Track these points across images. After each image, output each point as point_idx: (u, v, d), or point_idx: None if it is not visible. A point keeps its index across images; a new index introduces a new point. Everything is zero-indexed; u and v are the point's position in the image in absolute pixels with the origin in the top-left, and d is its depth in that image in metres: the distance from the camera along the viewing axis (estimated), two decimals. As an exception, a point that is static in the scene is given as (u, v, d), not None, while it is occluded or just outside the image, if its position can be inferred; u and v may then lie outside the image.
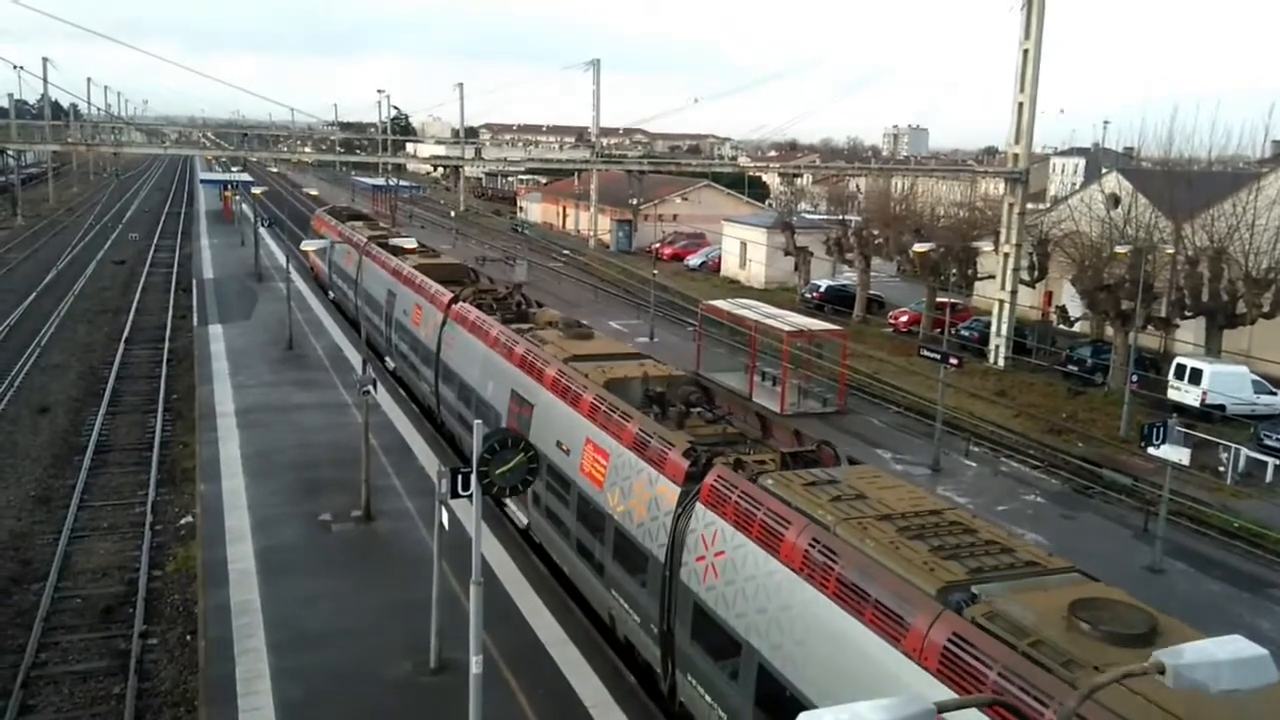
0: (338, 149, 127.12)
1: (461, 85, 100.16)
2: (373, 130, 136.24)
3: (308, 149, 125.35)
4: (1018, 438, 32.23)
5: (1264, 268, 36.30)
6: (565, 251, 76.83)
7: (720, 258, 68.67)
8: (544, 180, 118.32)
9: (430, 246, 43.57)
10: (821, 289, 55.02)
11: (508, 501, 21.52)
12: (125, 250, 70.67)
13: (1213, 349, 37.72)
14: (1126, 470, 28.80)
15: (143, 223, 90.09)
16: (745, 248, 64.93)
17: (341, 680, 15.65)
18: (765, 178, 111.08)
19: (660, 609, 14.85)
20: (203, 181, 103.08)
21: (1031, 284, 45.38)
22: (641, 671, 16.06)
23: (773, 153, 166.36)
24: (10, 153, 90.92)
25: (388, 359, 34.99)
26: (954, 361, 29.77)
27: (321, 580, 19.09)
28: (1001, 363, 42.70)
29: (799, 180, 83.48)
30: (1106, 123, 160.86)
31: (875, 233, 52.40)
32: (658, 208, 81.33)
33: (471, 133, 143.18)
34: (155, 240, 76.93)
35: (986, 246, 46.99)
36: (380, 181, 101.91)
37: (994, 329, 43.66)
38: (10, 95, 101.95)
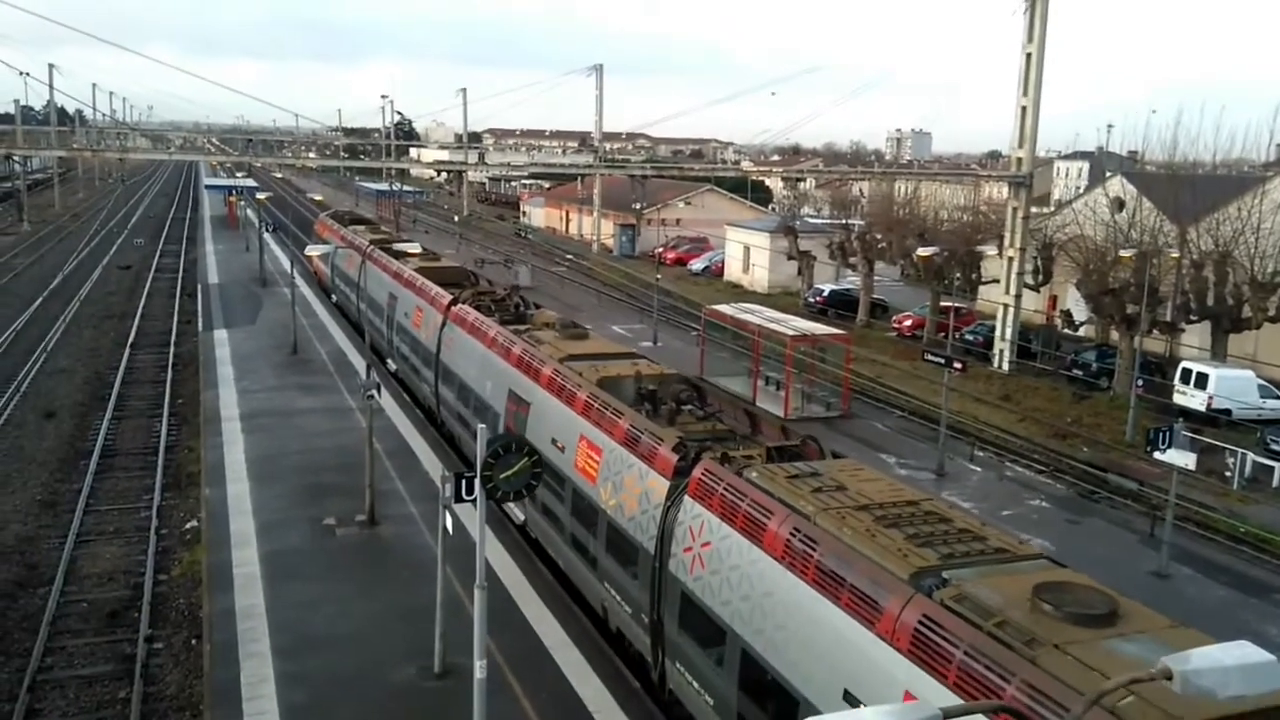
0: (342, 154, 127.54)
1: (465, 90, 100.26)
2: (376, 135, 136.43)
3: (312, 154, 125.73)
4: (1022, 442, 32.18)
5: (1269, 272, 36.23)
6: (568, 256, 76.88)
7: (723, 262, 68.68)
8: (547, 185, 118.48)
9: (433, 252, 43.67)
10: (825, 293, 55.01)
11: None
12: (131, 255, 70.85)
13: (1218, 353, 37.63)
14: (1132, 475, 28.72)
15: (148, 228, 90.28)
16: (748, 252, 64.93)
17: (346, 685, 15.64)
18: (768, 182, 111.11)
19: (650, 599, 15.19)
20: (207, 187, 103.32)
21: (1036, 288, 45.35)
22: (633, 661, 16.37)
23: (776, 157, 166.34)
24: (16, 158, 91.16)
25: (389, 360, 35.21)
26: (958, 366, 29.73)
27: (326, 585, 19.10)
28: (1006, 367, 42.64)
29: (802, 184, 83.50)
30: (1111, 126, 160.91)
31: (879, 237, 52.38)
32: (661, 212, 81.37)
33: (475, 138, 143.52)
34: (160, 245, 77.10)
35: (991, 250, 46.94)
36: (384, 187, 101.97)
37: (998, 333, 43.61)
38: (16, 101, 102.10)
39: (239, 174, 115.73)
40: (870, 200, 62.95)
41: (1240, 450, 29.22)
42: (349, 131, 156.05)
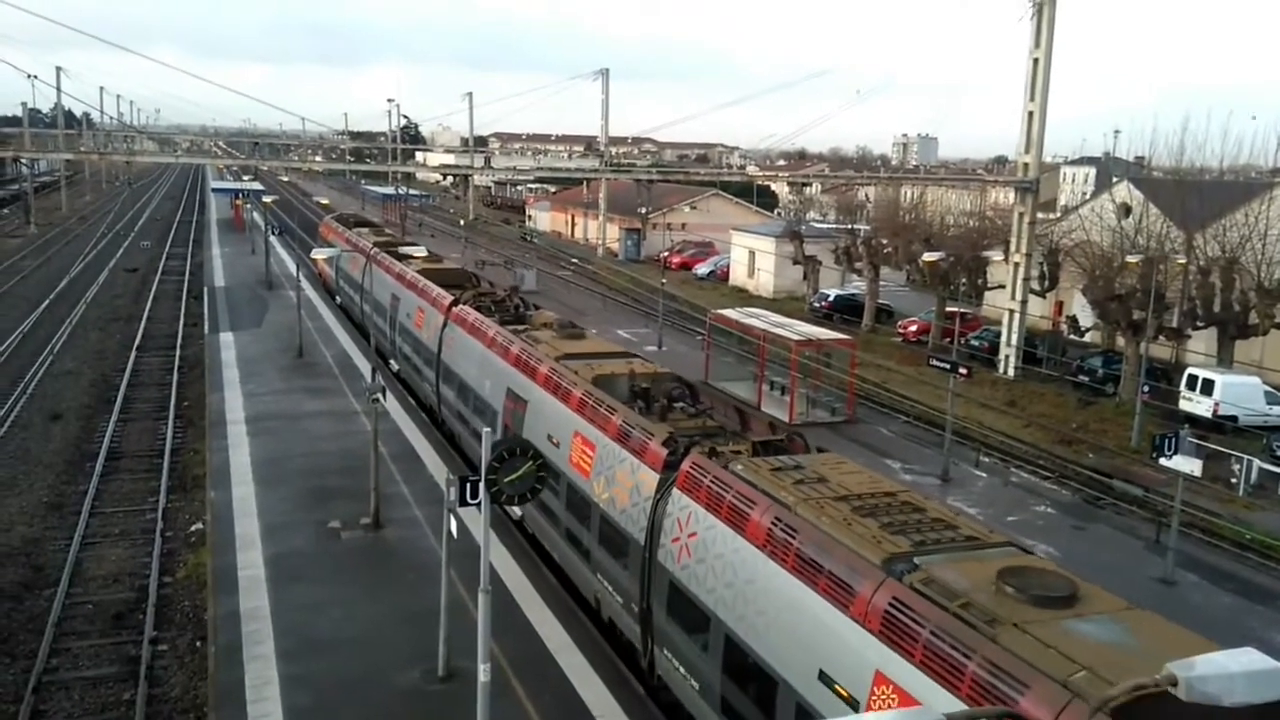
0: (348, 158, 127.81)
1: (471, 94, 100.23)
2: (383, 139, 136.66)
3: (318, 158, 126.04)
4: (1028, 448, 32.12)
5: (1276, 278, 36.12)
6: (574, 260, 76.94)
7: (729, 267, 68.68)
8: (553, 189, 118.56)
9: (437, 254, 43.80)
10: (830, 298, 54.95)
11: None
12: (137, 258, 71.04)
13: (1224, 360, 37.55)
14: (1138, 481, 28.66)
15: (154, 231, 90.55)
16: (754, 257, 64.93)
17: (350, 687, 15.66)
18: (774, 186, 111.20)
19: (640, 589, 15.60)
20: (214, 190, 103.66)
21: (1042, 294, 45.29)
22: (624, 651, 16.73)
23: (781, 161, 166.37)
24: (24, 161, 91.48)
25: (392, 361, 35.47)
26: (963, 371, 29.70)
27: (330, 587, 19.13)
28: (1011, 373, 42.58)
29: (808, 189, 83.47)
30: (1117, 132, 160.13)
31: (884, 242, 52.36)
32: (666, 216, 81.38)
33: (481, 141, 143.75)
34: (167, 248, 77.31)
35: (996, 256, 46.89)
36: (390, 190, 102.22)
37: (1004, 339, 43.55)
38: (24, 104, 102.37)
39: (245, 177, 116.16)
40: (876, 205, 62.94)
41: (1246, 457, 29.13)
42: (355, 135, 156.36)
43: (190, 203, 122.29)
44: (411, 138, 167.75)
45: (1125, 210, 43.95)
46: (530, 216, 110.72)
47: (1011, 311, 42.87)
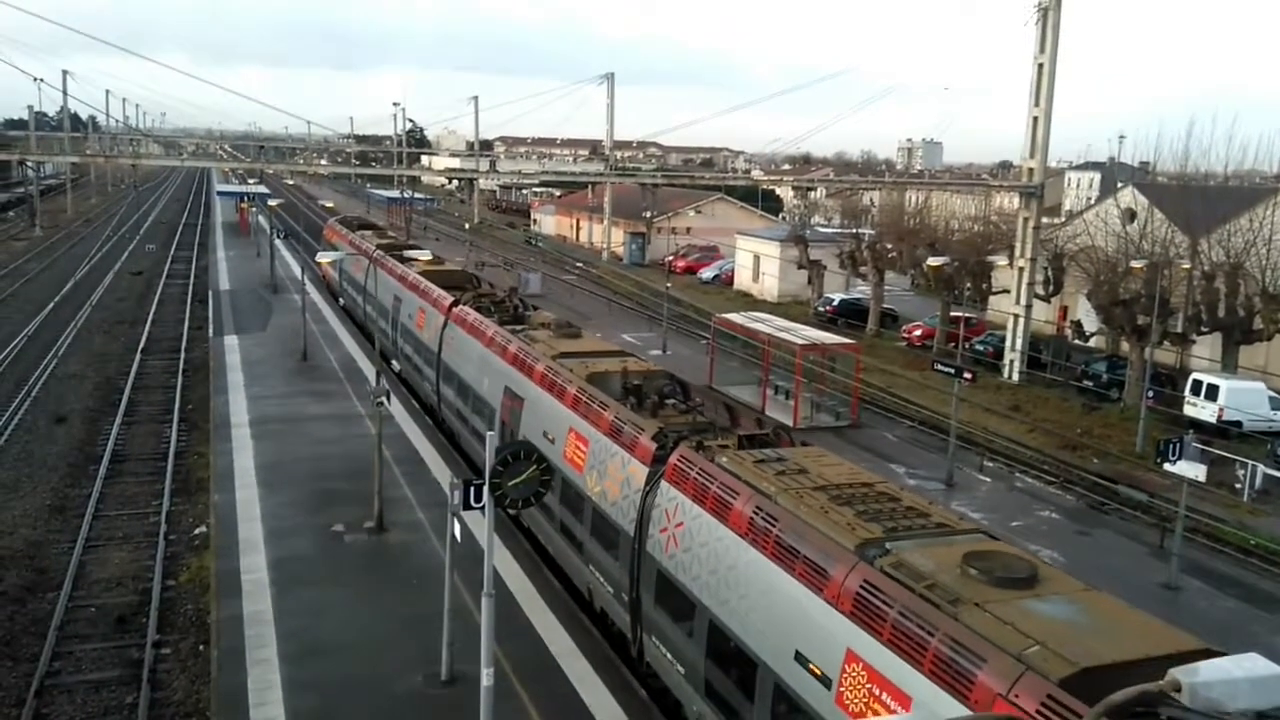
0: (353, 161, 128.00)
1: (476, 98, 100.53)
2: (388, 143, 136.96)
3: (323, 161, 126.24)
4: (1032, 453, 32.06)
5: (1281, 283, 36.08)
6: (578, 264, 76.97)
7: (733, 271, 68.64)
8: (558, 193, 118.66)
9: (439, 257, 43.90)
10: (835, 303, 54.91)
11: None
12: (142, 261, 71.17)
13: (1229, 365, 37.47)
14: (1142, 486, 28.60)
15: (160, 234, 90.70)
16: (758, 261, 64.91)
17: (353, 691, 15.66)
18: (779, 191, 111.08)
19: (630, 578, 16.10)
20: (219, 193, 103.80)
21: (1046, 298, 45.19)
22: (615, 639, 17.14)
23: (786, 166, 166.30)
24: (29, 164, 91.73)
25: (394, 361, 35.68)
26: (968, 376, 29.65)
27: (334, 591, 19.13)
28: (1016, 377, 42.51)
29: (812, 194, 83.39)
30: (1122, 137, 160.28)
31: (889, 246, 52.32)
32: (671, 221, 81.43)
33: (486, 145, 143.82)
34: (172, 251, 77.43)
35: (1001, 261, 46.84)
36: (395, 194, 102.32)
37: (1008, 343, 43.49)
38: (30, 107, 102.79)
39: (251, 180, 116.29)
40: (881, 210, 62.87)
41: (1251, 462, 29.06)
42: (361, 139, 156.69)
43: (195, 206, 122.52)
44: (417, 141, 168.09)
45: (1130, 215, 43.87)
46: (535, 220, 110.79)
47: (1016, 316, 42.81)
